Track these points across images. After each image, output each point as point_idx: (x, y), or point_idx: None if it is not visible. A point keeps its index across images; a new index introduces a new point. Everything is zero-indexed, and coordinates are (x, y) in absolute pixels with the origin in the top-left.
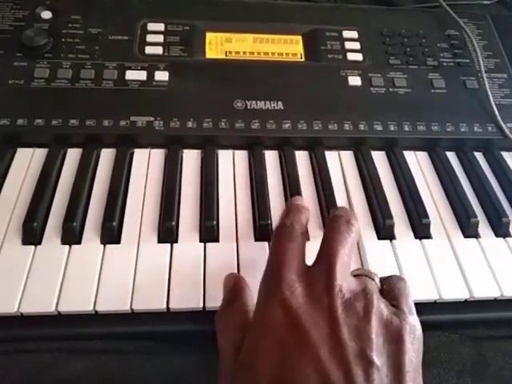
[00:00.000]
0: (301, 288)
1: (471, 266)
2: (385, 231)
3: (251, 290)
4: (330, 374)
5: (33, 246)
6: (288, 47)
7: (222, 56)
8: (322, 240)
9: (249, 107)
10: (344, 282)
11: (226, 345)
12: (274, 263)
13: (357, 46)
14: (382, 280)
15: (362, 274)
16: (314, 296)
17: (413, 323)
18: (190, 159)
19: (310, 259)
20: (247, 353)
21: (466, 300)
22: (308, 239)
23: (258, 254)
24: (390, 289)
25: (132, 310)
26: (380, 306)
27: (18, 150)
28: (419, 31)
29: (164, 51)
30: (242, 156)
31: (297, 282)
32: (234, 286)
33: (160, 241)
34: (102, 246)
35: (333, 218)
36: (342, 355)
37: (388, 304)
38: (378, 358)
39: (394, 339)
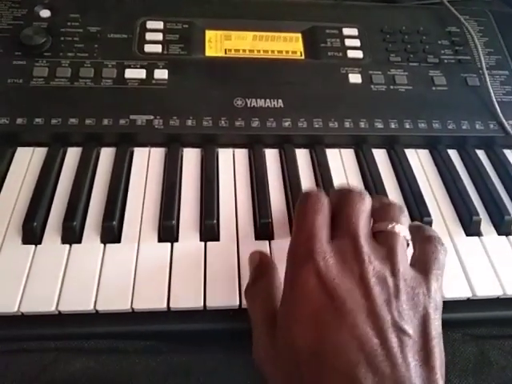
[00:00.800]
0: (332, 258)
1: (473, 264)
2: None
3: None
4: (368, 339)
5: (33, 246)
6: (288, 45)
7: (221, 54)
8: (337, 211)
9: (249, 105)
10: (370, 250)
11: (259, 316)
12: (303, 234)
13: (357, 43)
14: (422, 238)
15: (386, 231)
16: (345, 266)
17: (435, 296)
18: (190, 158)
19: None
20: (284, 321)
21: (468, 299)
22: None
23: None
24: (424, 255)
25: (132, 309)
26: (407, 281)
27: (18, 149)
28: (420, 28)
29: (163, 49)
30: (242, 154)
31: (328, 252)
32: (261, 261)
33: (160, 240)
34: (102, 245)
35: (344, 191)
36: (377, 323)
37: (415, 275)
38: (409, 327)
39: (421, 310)
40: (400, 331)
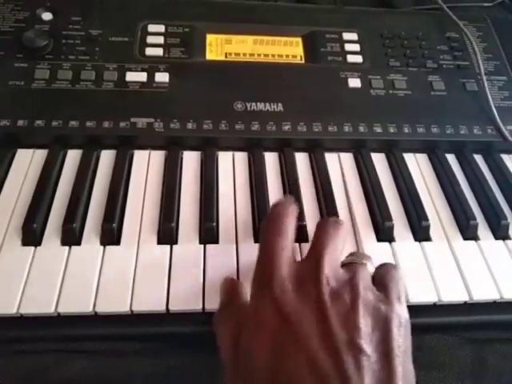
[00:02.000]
0: (291, 284)
1: (470, 268)
2: (384, 233)
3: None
4: (321, 362)
5: (33, 247)
6: (288, 49)
7: (222, 57)
8: (312, 239)
9: (249, 109)
10: (332, 273)
11: (225, 344)
12: (264, 259)
13: (357, 47)
14: (376, 267)
15: (352, 262)
16: (302, 290)
17: (398, 311)
18: (190, 161)
19: None
20: (243, 350)
21: (465, 302)
22: (308, 241)
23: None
24: (381, 276)
25: (131, 311)
26: (366, 295)
27: (18, 151)
28: (419, 33)
29: (164, 53)
30: (241, 158)
31: (286, 279)
32: (229, 289)
33: (160, 242)
34: (102, 247)
35: (321, 221)
36: (331, 344)
37: (375, 292)
38: (367, 345)
39: (382, 327)
40: (357, 350)
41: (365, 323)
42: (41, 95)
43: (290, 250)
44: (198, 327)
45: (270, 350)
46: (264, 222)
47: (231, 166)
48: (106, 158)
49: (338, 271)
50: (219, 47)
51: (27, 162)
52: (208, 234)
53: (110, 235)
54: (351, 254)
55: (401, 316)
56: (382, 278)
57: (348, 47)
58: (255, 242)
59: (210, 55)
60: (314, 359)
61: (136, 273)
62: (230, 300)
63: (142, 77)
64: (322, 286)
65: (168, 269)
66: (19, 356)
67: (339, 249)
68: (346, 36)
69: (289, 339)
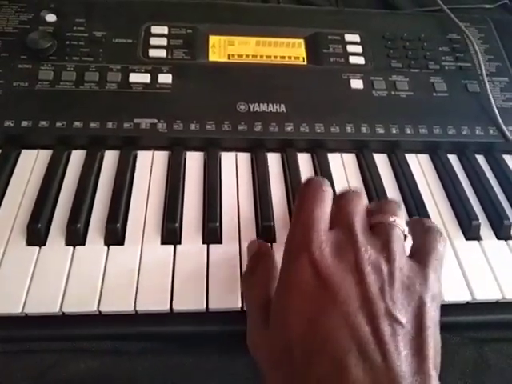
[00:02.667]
0: (329, 248)
1: (473, 268)
2: None
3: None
4: (360, 328)
5: (37, 247)
6: (290, 50)
7: (224, 59)
8: (335, 206)
9: (251, 110)
10: (366, 239)
11: (254, 303)
12: (302, 223)
13: (359, 49)
14: (423, 231)
15: (382, 222)
16: (341, 255)
17: (433, 285)
18: (193, 161)
19: None
20: (278, 309)
21: (467, 302)
22: None
23: None
24: (423, 245)
25: (136, 310)
26: (403, 268)
27: (23, 151)
28: (421, 35)
29: (167, 54)
30: (244, 158)
31: (324, 242)
32: (259, 250)
33: (163, 242)
34: (106, 247)
35: (339, 194)
36: (370, 311)
37: (411, 264)
38: (403, 316)
39: (417, 300)
40: (393, 320)
41: (401, 296)
42: (45, 96)
43: (327, 216)
44: (201, 327)
45: (306, 311)
46: (302, 189)
47: (234, 166)
48: (110, 158)
49: (372, 238)
50: (222, 49)
51: (31, 163)
52: (211, 234)
53: (114, 235)
54: (378, 210)
55: (434, 290)
56: (423, 248)
57: (350, 49)
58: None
59: (212, 56)
60: (352, 322)
61: (140, 273)
62: (259, 260)
63: (145, 78)
64: (360, 253)
65: (172, 269)
66: (24, 355)
67: (364, 210)
68: (348, 37)
69: (327, 301)
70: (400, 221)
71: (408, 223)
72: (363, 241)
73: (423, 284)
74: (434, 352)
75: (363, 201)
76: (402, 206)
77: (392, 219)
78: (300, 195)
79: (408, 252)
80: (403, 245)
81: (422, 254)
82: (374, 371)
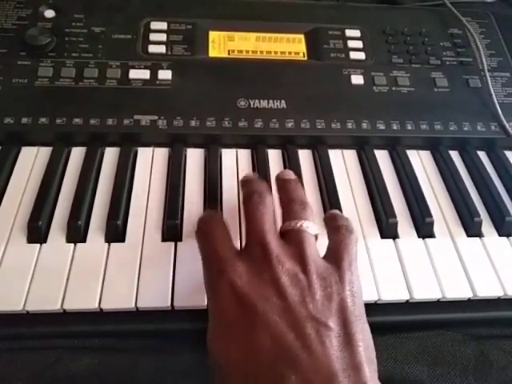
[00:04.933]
0: (242, 266)
1: (474, 265)
2: (388, 230)
3: None
4: (283, 336)
5: (38, 245)
6: (291, 46)
7: (224, 55)
8: (245, 222)
9: (252, 106)
10: (278, 249)
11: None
12: (208, 249)
13: (359, 44)
14: (330, 230)
15: (293, 229)
16: (256, 272)
17: (350, 280)
18: (194, 158)
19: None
20: (209, 334)
21: (469, 299)
22: None
23: None
24: (335, 244)
25: (137, 307)
26: (318, 270)
27: (23, 148)
28: (422, 30)
29: (167, 50)
30: (245, 155)
31: (236, 260)
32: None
33: (164, 239)
34: (107, 244)
35: (245, 198)
36: (291, 319)
37: (325, 264)
38: (325, 317)
39: (337, 299)
40: (316, 322)
41: (321, 298)
42: (44, 93)
43: (229, 236)
44: (202, 323)
45: (230, 330)
46: (201, 218)
47: (235, 163)
48: (110, 155)
49: (284, 247)
50: (222, 44)
51: (32, 160)
52: None
53: (115, 232)
54: (285, 216)
55: (353, 284)
56: (335, 247)
57: (351, 44)
58: None
59: (212, 52)
60: (274, 332)
61: (141, 270)
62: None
63: (145, 74)
64: (274, 266)
65: (172, 266)
66: (25, 352)
67: (272, 219)
68: (349, 33)
69: (248, 317)
70: (308, 223)
71: (324, 220)
72: (276, 253)
73: (339, 283)
74: (364, 345)
75: (268, 207)
76: (307, 204)
77: (299, 224)
78: (199, 221)
79: (323, 250)
80: (315, 247)
81: (334, 254)
82: (304, 374)
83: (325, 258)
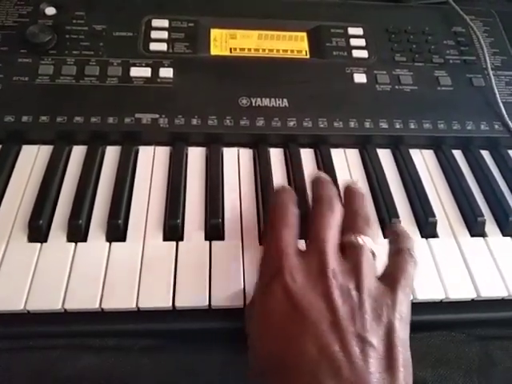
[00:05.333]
0: (298, 273)
1: (478, 265)
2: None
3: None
4: (329, 347)
5: (39, 244)
6: (293, 44)
7: (226, 53)
8: (310, 223)
9: (254, 104)
10: (336, 264)
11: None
12: (273, 248)
13: (362, 42)
14: (392, 252)
15: (353, 245)
16: (311, 280)
17: (401, 306)
18: (195, 157)
19: None
20: (254, 332)
21: (472, 300)
22: None
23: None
24: (394, 268)
25: (138, 307)
26: (372, 292)
27: (23, 147)
28: (425, 28)
29: (168, 48)
30: (246, 154)
31: (294, 267)
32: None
33: (165, 238)
34: (108, 243)
35: (316, 201)
36: (339, 334)
37: (381, 286)
38: (372, 337)
39: (386, 322)
40: (363, 342)
41: (369, 318)
42: (45, 91)
43: (296, 241)
44: (204, 324)
45: (278, 332)
46: (270, 212)
47: (236, 162)
48: (111, 153)
49: (341, 261)
50: (224, 42)
51: (32, 158)
52: (213, 230)
53: (116, 231)
54: (348, 228)
55: (403, 310)
56: (394, 270)
57: (353, 42)
58: (260, 237)
59: (214, 50)
60: (322, 343)
61: (142, 269)
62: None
63: (146, 72)
64: (329, 279)
65: (174, 265)
66: (25, 352)
67: (336, 230)
68: (352, 31)
69: (299, 323)
70: (369, 241)
71: (387, 234)
72: (333, 266)
73: (391, 306)
74: (404, 371)
75: (336, 219)
76: (370, 221)
77: (361, 239)
78: (270, 217)
79: (380, 268)
80: (372, 266)
81: (391, 276)
82: None
83: (381, 278)
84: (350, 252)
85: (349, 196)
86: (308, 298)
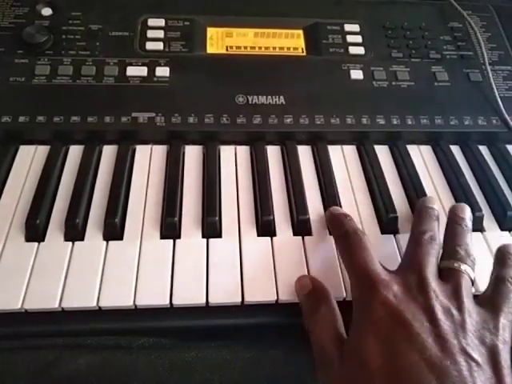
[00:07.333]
0: (396, 287)
1: (477, 259)
2: (388, 225)
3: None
4: (439, 361)
5: (36, 243)
6: (289, 41)
7: (222, 51)
8: (408, 248)
9: (250, 102)
10: (436, 285)
11: (326, 339)
12: (361, 270)
13: (358, 39)
14: (495, 279)
15: (452, 269)
16: (411, 296)
17: (503, 329)
18: (192, 155)
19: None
20: (355, 347)
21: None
22: (312, 234)
23: (261, 249)
24: (497, 294)
25: (135, 306)
26: (472, 316)
27: (20, 147)
28: (422, 24)
29: (165, 47)
30: (243, 151)
31: (390, 282)
32: (314, 287)
33: (162, 237)
34: (105, 242)
35: (419, 231)
36: (445, 347)
37: (481, 311)
38: (477, 355)
39: (488, 343)
40: (468, 357)
41: (473, 337)
42: (42, 91)
43: (377, 261)
44: (201, 321)
45: (383, 347)
46: (345, 238)
47: (233, 159)
48: (108, 153)
49: (441, 284)
50: (220, 40)
51: (29, 158)
52: (211, 228)
53: (113, 230)
54: (447, 254)
55: (506, 336)
56: (495, 297)
57: (350, 39)
58: (258, 235)
59: (210, 49)
60: (430, 356)
61: (139, 267)
62: (320, 297)
63: (142, 71)
64: (431, 297)
65: (171, 263)
66: (24, 351)
67: (436, 261)
68: (348, 27)
69: (402, 336)
70: (468, 268)
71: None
72: (433, 287)
73: (494, 331)
74: None
75: (435, 249)
76: (472, 254)
77: (463, 267)
78: (343, 244)
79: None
80: (471, 293)
81: (492, 303)
82: None
83: (480, 303)
84: (450, 276)
85: (454, 224)
86: (410, 312)
